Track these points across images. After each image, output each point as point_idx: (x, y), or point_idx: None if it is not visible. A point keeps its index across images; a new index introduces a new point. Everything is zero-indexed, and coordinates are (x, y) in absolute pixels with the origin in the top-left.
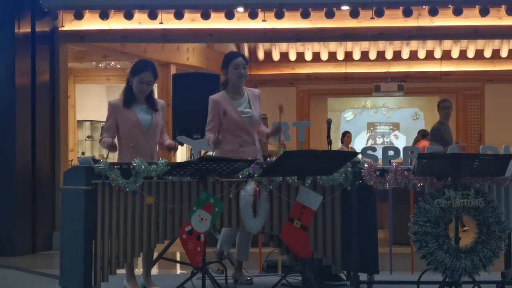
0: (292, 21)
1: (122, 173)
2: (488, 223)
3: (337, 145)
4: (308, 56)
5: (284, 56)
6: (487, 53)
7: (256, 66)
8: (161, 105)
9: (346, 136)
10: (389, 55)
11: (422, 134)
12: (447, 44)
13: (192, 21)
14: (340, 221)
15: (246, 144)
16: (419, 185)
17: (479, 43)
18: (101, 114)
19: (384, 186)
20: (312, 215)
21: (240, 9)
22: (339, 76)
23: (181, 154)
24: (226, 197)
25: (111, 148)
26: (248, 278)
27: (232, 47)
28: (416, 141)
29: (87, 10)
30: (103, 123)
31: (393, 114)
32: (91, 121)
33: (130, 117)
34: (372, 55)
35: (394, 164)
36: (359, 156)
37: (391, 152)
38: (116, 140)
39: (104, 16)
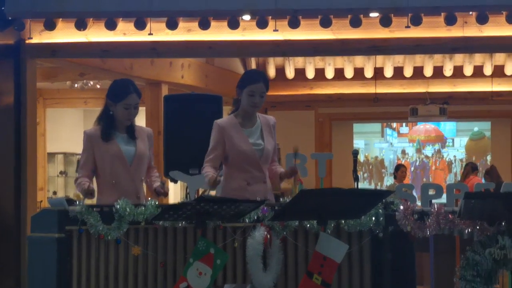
0: (309, 31)
1: (103, 217)
2: None
3: (384, 182)
4: (329, 74)
5: (300, 73)
6: None
7: None
8: (147, 133)
9: (400, 170)
10: (428, 72)
11: (471, 168)
12: (499, 58)
13: (187, 32)
14: (370, 275)
15: (255, 182)
16: (466, 231)
17: None
18: (76, 145)
19: (423, 232)
20: (335, 268)
21: (247, 17)
22: (367, 97)
23: (175, 193)
24: (230, 246)
25: (87, 195)
26: None
27: (236, 63)
28: (465, 176)
29: (61, 19)
30: (79, 156)
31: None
32: (65, 153)
33: (110, 149)
34: (408, 72)
35: (436, 205)
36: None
37: (431, 191)
38: (94, 178)
39: (81, 25)
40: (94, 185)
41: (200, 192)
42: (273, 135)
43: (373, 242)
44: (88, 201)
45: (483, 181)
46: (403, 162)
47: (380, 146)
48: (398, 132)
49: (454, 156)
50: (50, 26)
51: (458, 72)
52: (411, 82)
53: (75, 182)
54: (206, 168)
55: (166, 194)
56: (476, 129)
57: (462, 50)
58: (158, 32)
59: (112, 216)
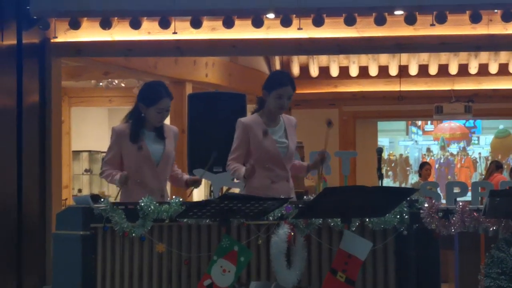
0: (333, 29)
1: (127, 215)
2: None
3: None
4: (354, 72)
5: (324, 71)
6: None
7: None
8: (173, 132)
9: (425, 168)
10: (453, 69)
11: (495, 166)
12: None
13: (211, 30)
14: (395, 273)
15: (279, 180)
16: (491, 228)
17: None
18: (101, 143)
19: (448, 230)
20: (359, 266)
21: (271, 15)
22: (392, 95)
23: (199, 192)
24: (253, 243)
25: (125, 183)
26: None
27: (260, 61)
28: (489, 174)
29: (85, 18)
30: (104, 154)
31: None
32: (90, 151)
33: (140, 149)
34: (433, 70)
35: (460, 203)
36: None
37: (456, 189)
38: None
39: (105, 25)
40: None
41: (224, 190)
42: (295, 135)
43: (398, 240)
44: (112, 199)
45: (508, 179)
46: (428, 160)
47: (405, 144)
48: (423, 130)
49: (479, 154)
50: (75, 25)
51: (483, 70)
52: (436, 80)
53: (101, 174)
54: (232, 164)
55: (199, 182)
56: (501, 126)
57: (487, 48)
58: (182, 31)
59: (136, 214)
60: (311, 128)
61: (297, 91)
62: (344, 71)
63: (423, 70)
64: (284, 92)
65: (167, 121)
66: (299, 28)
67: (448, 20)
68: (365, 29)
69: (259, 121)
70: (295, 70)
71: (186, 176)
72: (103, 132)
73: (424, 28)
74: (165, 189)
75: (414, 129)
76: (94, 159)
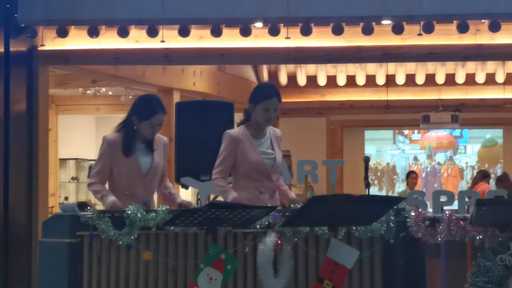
0: (321, 39)
1: (114, 223)
2: None
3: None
4: (341, 81)
5: (312, 80)
6: None
7: None
8: (163, 143)
9: (411, 177)
10: (440, 79)
11: (481, 175)
12: (511, 65)
13: (199, 39)
14: (381, 281)
15: (267, 191)
16: (478, 237)
17: None
18: (88, 151)
19: (435, 239)
20: (346, 274)
21: (259, 24)
22: (379, 104)
23: (186, 199)
24: (240, 251)
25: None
26: None
27: (248, 70)
28: (475, 183)
29: (73, 26)
30: (91, 162)
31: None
32: (77, 159)
33: (130, 161)
34: (420, 79)
35: (447, 212)
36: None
37: (443, 198)
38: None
39: (93, 33)
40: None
41: (211, 198)
42: (280, 147)
43: (384, 249)
44: (99, 207)
45: (492, 188)
46: (415, 169)
47: (392, 152)
48: (410, 139)
49: (466, 163)
50: (62, 33)
51: (470, 80)
52: (423, 89)
53: (90, 186)
54: (220, 181)
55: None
56: (488, 136)
57: (474, 58)
58: (170, 40)
59: (123, 222)
60: (299, 137)
61: (284, 100)
62: (331, 80)
63: (411, 80)
64: (271, 104)
65: None
66: (287, 37)
67: (435, 30)
68: (353, 39)
69: (246, 134)
70: (283, 79)
71: (180, 199)
72: (90, 140)
73: (412, 38)
74: (152, 199)
75: (401, 138)
76: (81, 167)
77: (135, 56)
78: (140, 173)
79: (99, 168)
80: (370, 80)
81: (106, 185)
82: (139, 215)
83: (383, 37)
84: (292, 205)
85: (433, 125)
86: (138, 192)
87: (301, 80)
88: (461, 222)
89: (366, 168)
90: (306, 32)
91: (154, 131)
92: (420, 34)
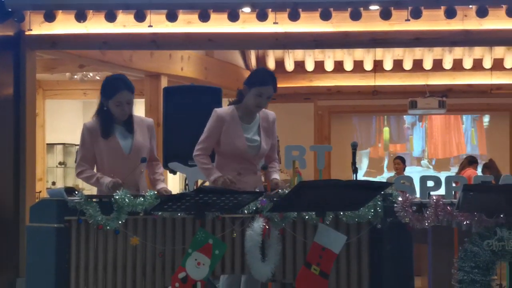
0: (309, 24)
1: (102, 207)
2: None
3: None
4: (329, 66)
5: (300, 65)
6: None
7: None
8: (147, 125)
9: (395, 163)
10: (428, 64)
11: (468, 161)
12: (498, 51)
13: (187, 24)
14: (368, 266)
15: (247, 173)
16: (465, 223)
17: None
18: (75, 136)
19: (422, 224)
20: (333, 259)
21: (247, 9)
22: (367, 90)
23: (174, 184)
24: (228, 236)
25: (117, 188)
26: None
27: (236, 55)
28: (462, 168)
29: (60, 11)
30: (78, 147)
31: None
32: (64, 144)
33: (109, 143)
34: (407, 65)
35: (434, 198)
36: (392, 187)
37: (430, 183)
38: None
39: (81, 17)
40: None
41: (199, 183)
42: (272, 132)
43: (372, 234)
44: (87, 192)
45: (478, 173)
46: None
47: None
48: None
49: None
50: (50, 17)
51: (457, 65)
52: (410, 75)
53: (80, 175)
54: (202, 157)
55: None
56: None
57: (462, 44)
58: (158, 24)
59: (111, 207)
60: (287, 122)
61: None
62: (319, 66)
63: (398, 65)
64: (265, 91)
65: (142, 114)
66: (275, 23)
67: (423, 16)
68: (340, 24)
69: (234, 115)
70: (271, 64)
71: (160, 186)
72: (78, 125)
73: (399, 23)
74: (141, 182)
75: None
76: (68, 152)
77: (123, 40)
78: (122, 154)
79: (82, 154)
80: (358, 66)
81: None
82: (127, 200)
83: (371, 22)
84: (275, 189)
85: (421, 110)
86: (123, 174)
87: (289, 66)
88: (448, 208)
89: (354, 153)
90: (294, 17)
91: (123, 109)
92: (407, 20)
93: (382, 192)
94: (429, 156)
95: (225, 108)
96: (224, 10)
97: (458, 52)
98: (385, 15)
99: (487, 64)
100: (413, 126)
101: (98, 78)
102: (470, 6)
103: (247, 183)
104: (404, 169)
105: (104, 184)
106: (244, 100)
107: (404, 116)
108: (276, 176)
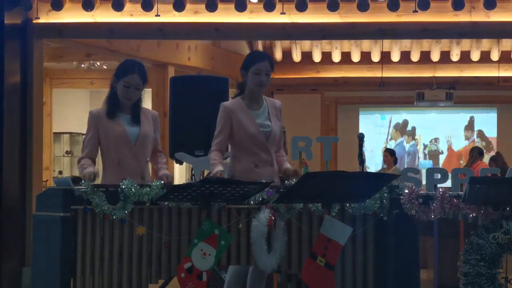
0: (316, 14)
1: (108, 197)
2: None
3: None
4: (336, 57)
5: (307, 56)
6: None
7: None
8: (152, 115)
9: (384, 155)
10: (435, 56)
11: (477, 152)
12: (506, 44)
13: (194, 13)
14: (374, 258)
15: (263, 164)
16: (471, 215)
17: None
18: (82, 125)
19: (428, 216)
20: (339, 250)
21: None
22: (374, 81)
23: (180, 175)
24: (234, 227)
25: (89, 180)
26: None
27: (243, 45)
28: (473, 161)
29: None
30: (85, 136)
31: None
32: (71, 133)
33: (115, 129)
34: (415, 57)
35: (440, 190)
36: (398, 179)
37: (437, 175)
38: (99, 157)
39: (88, 6)
40: (100, 166)
41: (206, 174)
42: (279, 118)
43: (378, 226)
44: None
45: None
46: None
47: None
48: None
49: None
50: (57, 6)
51: (465, 57)
52: (417, 67)
53: (78, 162)
54: (213, 153)
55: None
56: None
57: (469, 36)
58: (165, 14)
59: (117, 196)
60: (293, 113)
61: (279, 76)
62: (326, 57)
63: (405, 57)
64: (262, 67)
65: (149, 104)
66: (282, 13)
67: (430, 7)
68: (348, 15)
69: (241, 104)
70: (278, 55)
71: (162, 172)
72: (84, 114)
73: (407, 15)
74: (146, 171)
75: None
76: (75, 141)
77: (130, 30)
78: (128, 141)
79: (87, 140)
80: (365, 57)
81: (100, 163)
82: (133, 189)
83: (379, 13)
84: (285, 176)
85: (428, 102)
86: (128, 162)
87: (296, 56)
88: (455, 200)
89: (360, 145)
90: (301, 7)
91: (129, 92)
92: (415, 11)
93: (389, 184)
94: None
95: (231, 101)
96: (231, 0)
97: (465, 44)
98: (393, 6)
99: (495, 56)
100: None
101: (105, 67)
102: None
103: (263, 176)
104: (395, 162)
105: (82, 174)
106: (246, 87)
107: None
108: (287, 165)
